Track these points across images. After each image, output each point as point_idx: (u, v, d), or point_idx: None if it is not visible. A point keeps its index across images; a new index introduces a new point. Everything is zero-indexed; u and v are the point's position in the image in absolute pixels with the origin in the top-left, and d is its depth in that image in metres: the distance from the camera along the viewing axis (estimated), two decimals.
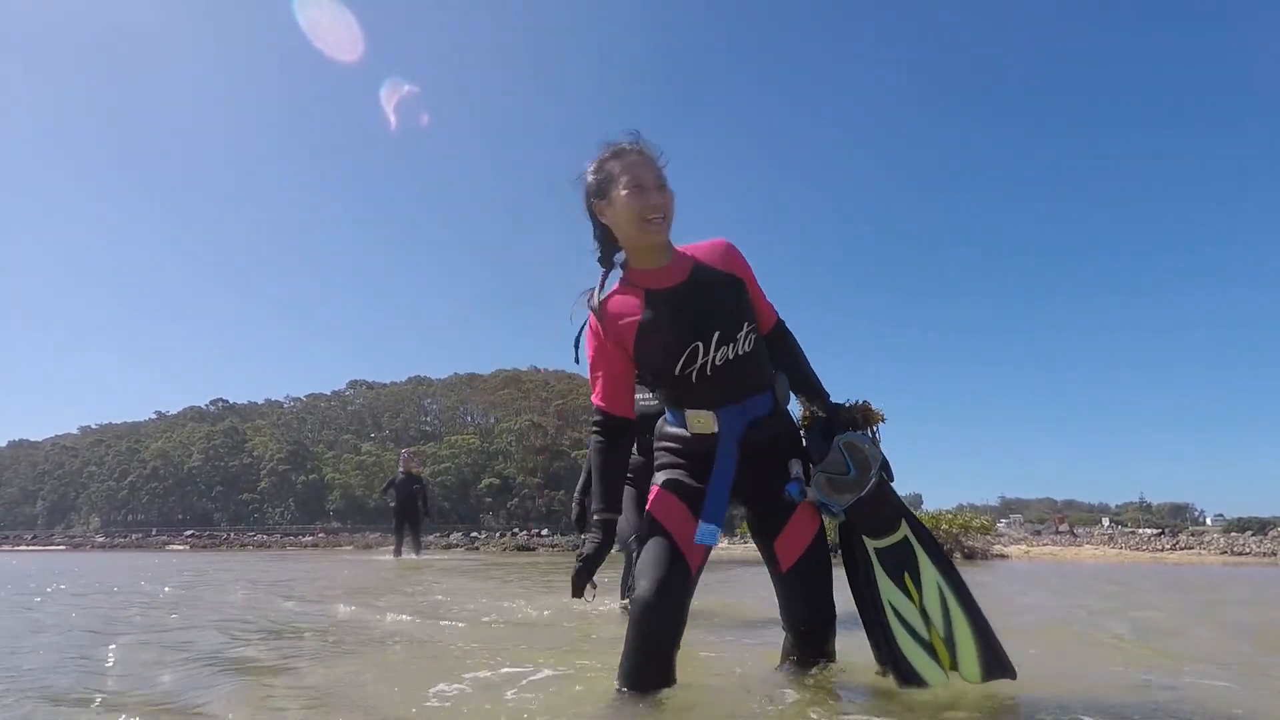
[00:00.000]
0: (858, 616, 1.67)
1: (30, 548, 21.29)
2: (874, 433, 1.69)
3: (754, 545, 1.74)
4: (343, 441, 69.24)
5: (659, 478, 1.69)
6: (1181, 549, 12.62)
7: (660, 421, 1.74)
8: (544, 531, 22.30)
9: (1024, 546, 12.90)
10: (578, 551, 3.16)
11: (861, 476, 1.59)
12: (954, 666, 1.55)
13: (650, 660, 1.50)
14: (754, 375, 1.62)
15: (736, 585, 4.58)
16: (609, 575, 5.03)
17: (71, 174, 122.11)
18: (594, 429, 1.67)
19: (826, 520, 1.66)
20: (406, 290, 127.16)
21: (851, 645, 1.73)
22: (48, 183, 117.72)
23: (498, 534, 20.77)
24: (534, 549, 14.55)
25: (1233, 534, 17.09)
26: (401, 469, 10.49)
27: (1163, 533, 16.51)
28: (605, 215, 1.62)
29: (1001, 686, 1.57)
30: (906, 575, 1.59)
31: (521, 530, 23.47)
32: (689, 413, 1.62)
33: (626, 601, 3.00)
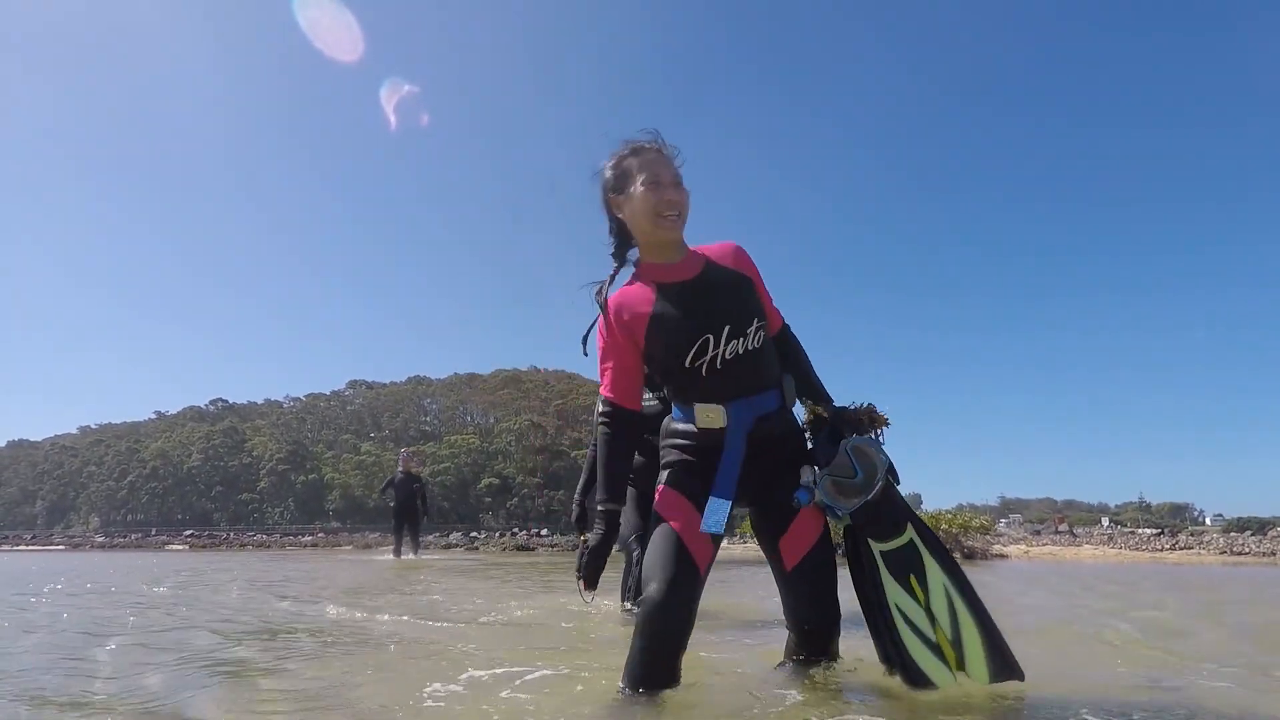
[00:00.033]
0: (861, 617, 1.66)
1: (29, 548, 21.27)
2: (879, 436, 1.70)
3: (754, 545, 1.73)
4: (342, 441, 69.24)
5: (665, 476, 1.68)
6: (1181, 549, 12.62)
7: (666, 420, 1.74)
8: (544, 531, 22.29)
9: (1023, 546, 12.89)
10: (584, 542, 3.16)
11: (869, 480, 1.60)
12: (961, 668, 1.54)
13: (658, 661, 1.50)
14: (763, 372, 1.64)
15: (737, 585, 4.58)
16: (608, 575, 5.03)
17: (71, 174, 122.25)
18: (602, 420, 1.67)
19: (830, 522, 1.66)
20: (406, 290, 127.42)
21: (855, 646, 1.72)
22: (48, 183, 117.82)
23: (497, 534, 20.76)
24: (533, 549, 14.53)
25: (1232, 534, 17.09)
26: (401, 468, 10.47)
27: (1162, 533, 16.50)
28: (622, 210, 1.65)
29: (1007, 687, 1.56)
30: (912, 578, 1.60)
31: (521, 530, 23.46)
32: (698, 407, 1.62)
33: (627, 604, 2.98)
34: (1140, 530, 19.16)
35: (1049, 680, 1.71)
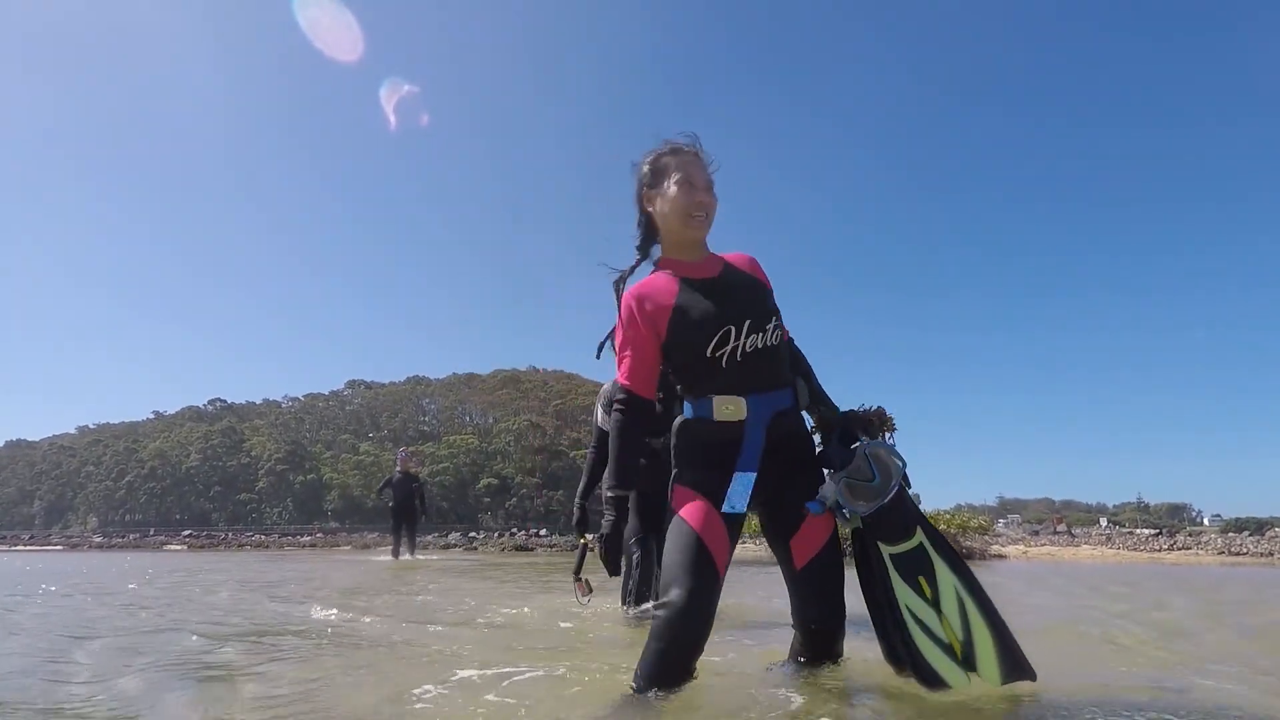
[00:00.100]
0: (866, 618, 1.66)
1: (27, 548, 21.22)
2: (891, 439, 1.73)
3: (753, 545, 1.72)
4: (341, 441, 69.16)
5: (679, 474, 1.68)
6: (1179, 549, 12.62)
7: (677, 421, 1.72)
8: (542, 532, 22.27)
9: (1022, 547, 12.89)
10: (583, 545, 3.15)
11: (885, 485, 1.63)
12: (973, 669, 1.55)
13: (675, 665, 1.51)
14: (780, 368, 1.68)
15: (738, 585, 4.53)
16: (603, 575, 5.02)
17: (71, 174, 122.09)
18: (618, 407, 1.69)
19: (839, 524, 1.67)
20: (405, 290, 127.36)
21: (859, 647, 1.71)
22: (47, 183, 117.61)
23: (496, 534, 20.74)
24: (532, 549, 14.51)
25: (1230, 534, 17.11)
26: (399, 468, 10.43)
27: (1160, 533, 16.51)
28: (653, 204, 1.72)
29: (1015, 687, 1.56)
30: (922, 579, 1.61)
31: (520, 530, 23.44)
32: (717, 399, 1.63)
33: (627, 607, 2.95)
34: (1138, 531, 19.17)
35: (1057, 681, 1.70)
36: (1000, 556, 10.83)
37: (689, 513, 1.60)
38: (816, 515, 1.62)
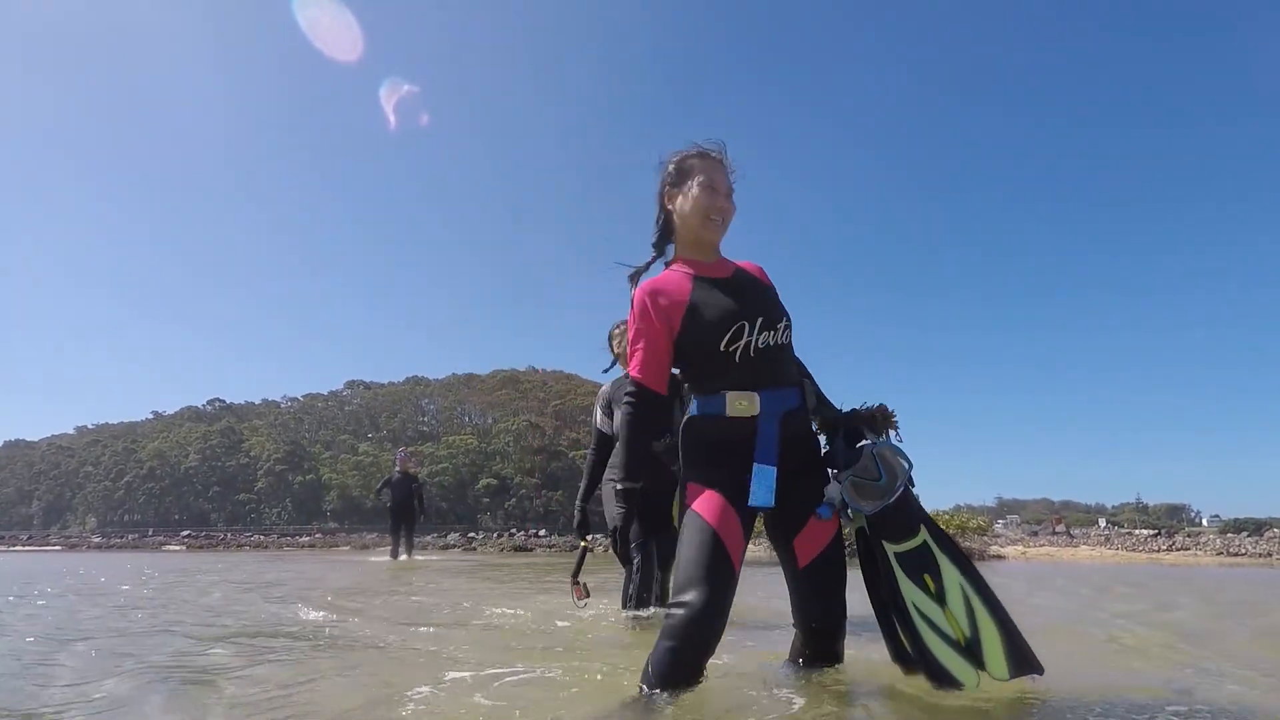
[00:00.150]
0: (868, 620, 1.66)
1: (25, 548, 21.18)
2: (897, 437, 1.75)
3: (754, 545, 1.72)
4: (340, 442, 69.13)
5: (691, 473, 1.67)
6: (1178, 550, 12.62)
7: (685, 421, 1.72)
8: (541, 532, 22.25)
9: (1021, 547, 12.89)
10: (583, 548, 3.14)
11: (891, 484, 1.64)
12: (981, 665, 1.55)
13: (687, 665, 1.50)
14: (789, 368, 1.71)
15: (739, 586, 4.48)
16: (603, 576, 5.01)
17: (71, 174, 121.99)
18: (628, 399, 1.69)
19: (842, 523, 1.68)
20: (405, 290, 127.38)
21: (863, 647, 1.70)
22: (47, 183, 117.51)
23: (495, 534, 20.71)
24: (531, 549, 14.50)
25: (1229, 535, 17.12)
26: (398, 468, 10.40)
27: (1159, 534, 16.52)
28: (673, 203, 1.76)
29: (1020, 688, 1.56)
30: (927, 577, 1.62)
31: (519, 531, 23.42)
32: (730, 395, 1.63)
33: (627, 611, 2.93)
34: (1137, 531, 19.18)
35: (1063, 682, 1.70)
36: (999, 557, 10.83)
37: (705, 508, 1.59)
38: (825, 520, 1.63)
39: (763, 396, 1.63)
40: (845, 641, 1.71)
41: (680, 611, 1.50)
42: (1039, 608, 3.76)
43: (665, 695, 1.47)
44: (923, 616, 1.58)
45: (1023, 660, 1.56)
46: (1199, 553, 12.16)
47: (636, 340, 1.69)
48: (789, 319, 1.71)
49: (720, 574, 1.52)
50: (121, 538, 25.97)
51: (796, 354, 1.85)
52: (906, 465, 1.68)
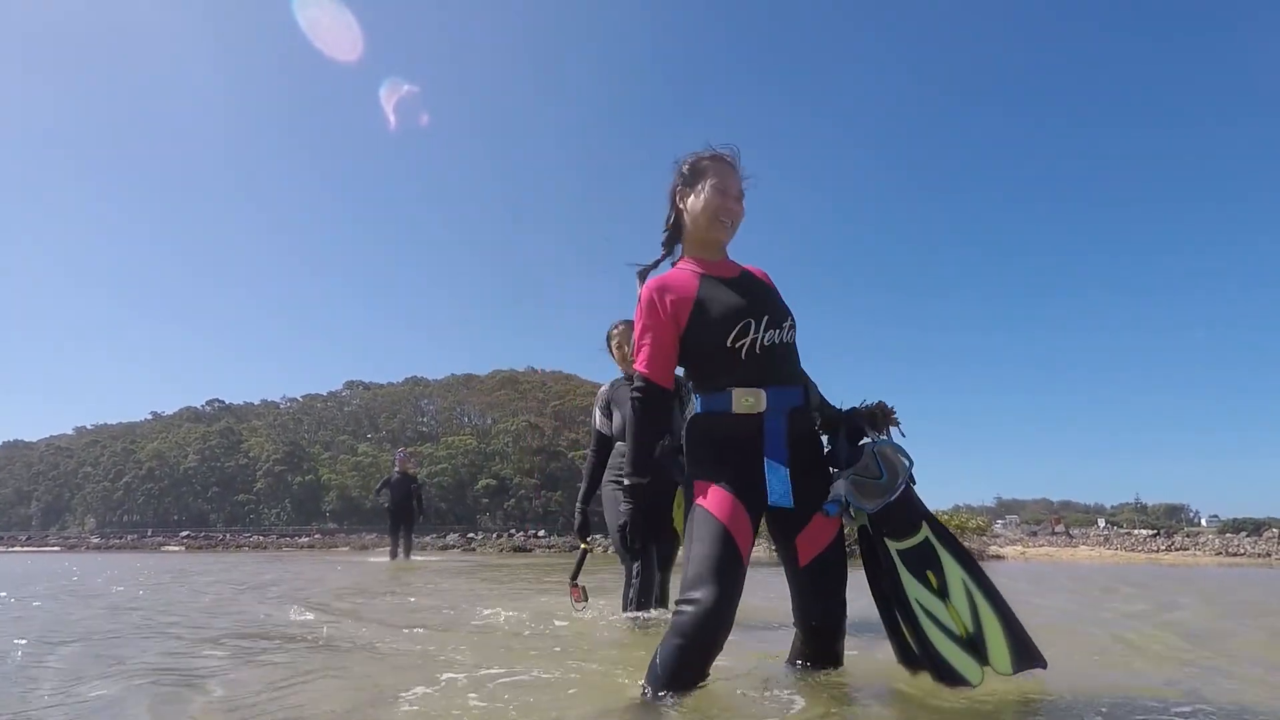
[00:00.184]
0: (870, 621, 1.65)
1: (24, 549, 21.15)
2: (900, 433, 1.77)
3: (759, 545, 1.72)
4: (339, 442, 69.09)
5: (697, 470, 1.66)
6: (1176, 550, 12.63)
7: (690, 419, 1.72)
8: (541, 532, 22.22)
9: (1020, 547, 12.90)
10: (583, 551, 3.12)
11: (892, 482, 1.65)
12: (985, 660, 1.56)
13: (695, 663, 1.50)
14: (794, 366, 1.73)
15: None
16: (603, 576, 5.00)
17: (70, 174, 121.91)
18: (636, 394, 1.70)
19: (845, 522, 1.68)
20: (404, 291, 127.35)
21: (863, 648, 1.69)
22: (46, 183, 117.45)
23: (494, 535, 20.69)
24: (531, 550, 14.48)
25: (1227, 535, 17.13)
26: (397, 469, 10.38)
27: (1158, 534, 16.52)
28: (684, 201, 1.79)
29: (1024, 688, 1.55)
30: (930, 573, 1.64)
31: (518, 531, 23.39)
32: (736, 391, 1.64)
33: (631, 615, 2.90)
34: (1136, 531, 19.19)
35: (1069, 682, 1.70)
36: (998, 557, 10.83)
37: (714, 504, 1.58)
38: (832, 516, 1.63)
39: (769, 393, 1.64)
40: (848, 642, 1.70)
41: (690, 608, 1.49)
42: (1042, 608, 3.75)
43: (669, 696, 1.45)
44: (926, 613, 1.59)
45: (1026, 654, 1.57)
46: (1198, 553, 12.16)
47: (643, 335, 1.70)
48: (794, 320, 1.73)
49: (730, 571, 1.52)
50: (120, 538, 25.92)
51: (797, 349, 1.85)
52: (907, 463, 1.69)
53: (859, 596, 1.72)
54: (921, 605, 1.59)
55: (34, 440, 78.07)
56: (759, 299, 1.71)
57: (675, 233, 1.84)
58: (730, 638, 1.54)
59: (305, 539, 21.29)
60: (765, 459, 1.61)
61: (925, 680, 1.61)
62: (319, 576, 6.37)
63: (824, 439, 1.80)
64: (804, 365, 1.85)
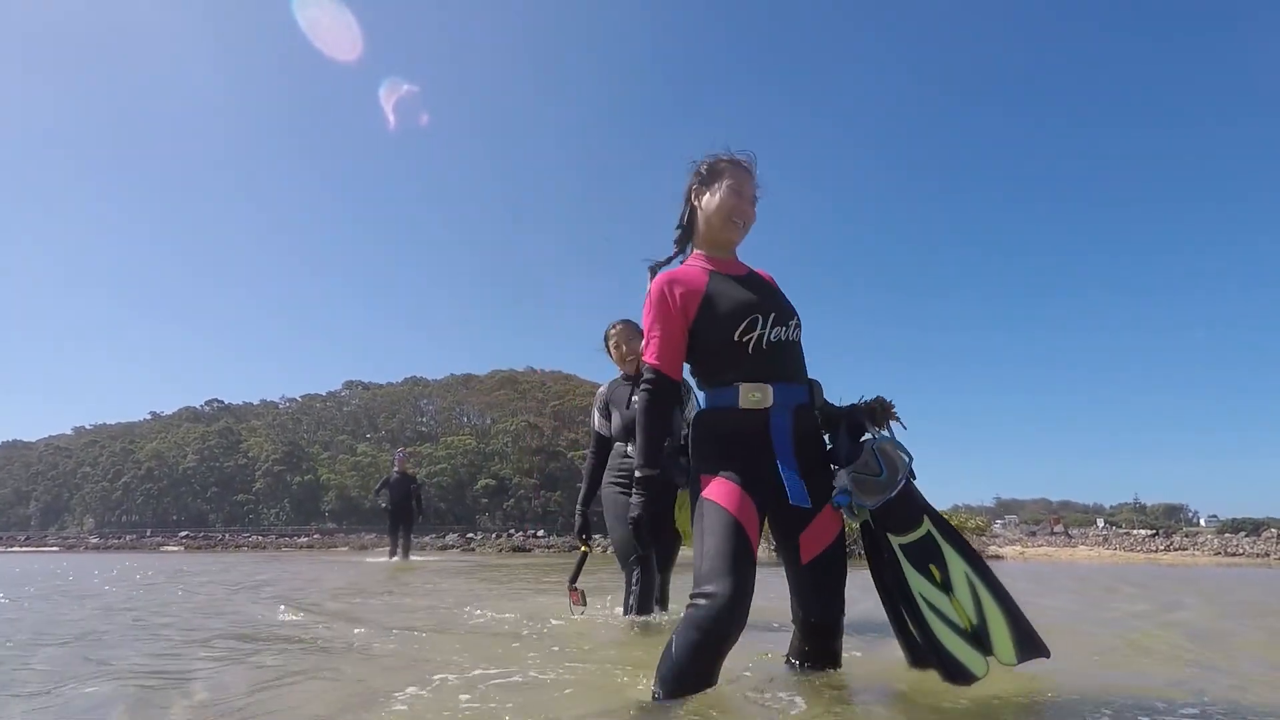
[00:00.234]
0: (872, 621, 1.64)
1: (22, 549, 21.12)
2: (902, 427, 1.78)
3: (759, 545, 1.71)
4: (338, 442, 69.04)
5: (704, 464, 1.66)
6: (1175, 550, 12.63)
7: (696, 415, 1.73)
8: (540, 533, 22.21)
9: (1019, 547, 12.90)
10: (583, 553, 3.10)
11: (892, 479, 1.66)
12: (989, 651, 1.57)
13: (707, 658, 1.48)
14: (800, 364, 1.75)
15: None
16: (603, 575, 4.98)
17: (70, 174, 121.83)
18: (645, 386, 1.71)
19: (846, 519, 1.69)
20: (404, 291, 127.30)
21: (863, 648, 1.68)
22: (47, 183, 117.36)
23: (494, 535, 20.68)
24: (530, 550, 14.47)
25: (1226, 535, 17.14)
26: (396, 469, 10.37)
27: (1157, 534, 16.52)
28: (699, 200, 1.83)
29: (1033, 687, 1.55)
30: (933, 567, 1.66)
31: (517, 531, 23.38)
32: (743, 386, 1.65)
33: (634, 617, 2.88)
34: (1135, 531, 19.21)
35: (1074, 682, 1.69)
36: (997, 557, 10.82)
37: (723, 497, 1.58)
38: (840, 508, 1.64)
39: (775, 389, 1.65)
40: (851, 643, 1.71)
41: (705, 602, 1.49)
42: (1047, 608, 3.73)
43: (677, 694, 1.44)
44: (930, 607, 1.60)
45: (1030, 644, 1.59)
46: (1196, 553, 12.16)
47: (653, 328, 1.72)
48: (799, 320, 1.76)
49: (743, 563, 1.52)
50: (119, 539, 25.88)
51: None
52: (907, 459, 1.71)
53: (862, 598, 1.71)
54: (925, 599, 1.61)
55: (33, 440, 78.01)
56: (766, 296, 1.74)
57: (688, 231, 1.87)
58: None
59: (304, 539, 21.26)
60: (779, 465, 1.62)
61: (927, 681, 1.60)
62: (316, 577, 6.35)
63: (824, 437, 1.80)
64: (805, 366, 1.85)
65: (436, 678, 1.78)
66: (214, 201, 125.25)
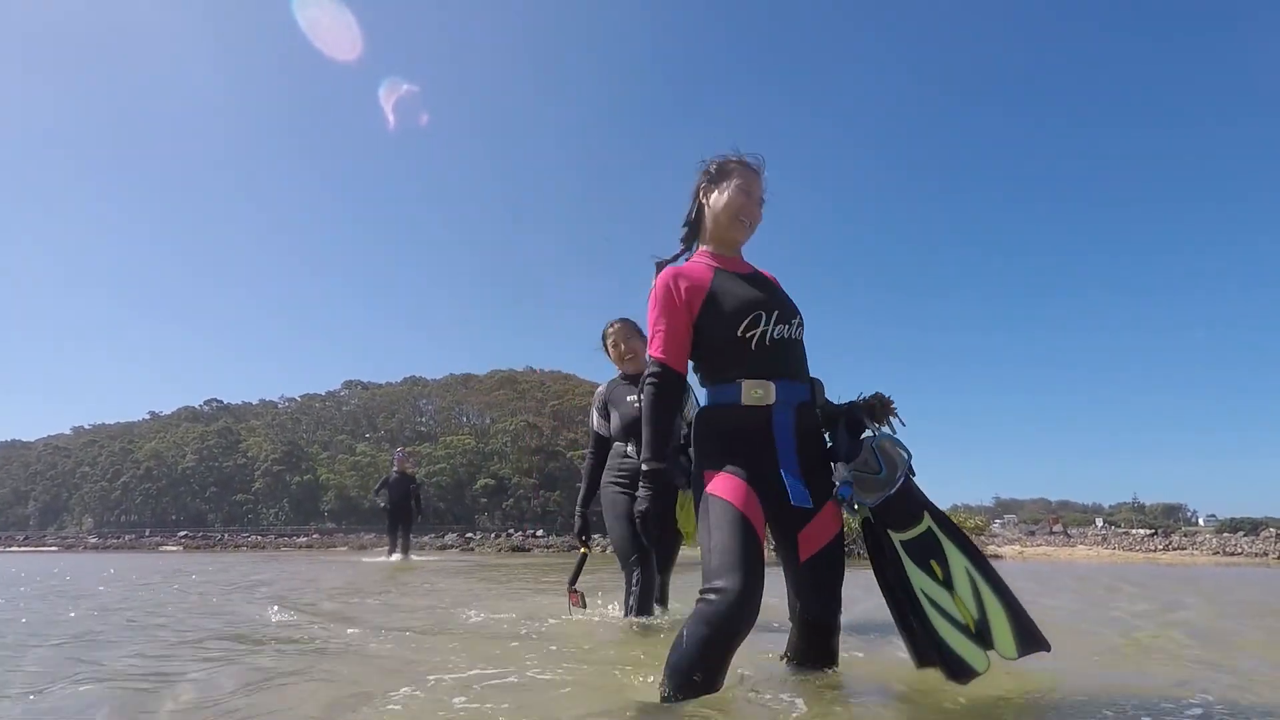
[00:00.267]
0: (874, 621, 1.63)
1: (21, 549, 21.10)
2: (902, 423, 1.79)
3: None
4: (338, 442, 69.00)
5: (707, 461, 1.66)
6: (1174, 549, 12.63)
7: (698, 412, 1.74)
8: (539, 532, 22.19)
9: (1018, 547, 12.90)
10: (582, 555, 3.08)
11: (891, 477, 1.67)
12: (990, 645, 1.57)
13: (718, 654, 1.47)
14: (802, 362, 1.76)
15: None
16: (602, 575, 4.97)
17: (70, 174, 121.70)
18: (650, 380, 1.71)
19: (846, 516, 1.70)
20: (403, 290, 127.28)
21: (864, 647, 1.66)
22: (46, 183, 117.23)
23: (493, 535, 20.67)
24: (529, 550, 14.46)
25: (1225, 535, 17.15)
26: (396, 468, 10.35)
27: (1156, 534, 16.53)
28: (708, 198, 1.84)
29: (1035, 686, 1.55)
30: (933, 562, 1.67)
31: (517, 531, 23.36)
32: (745, 383, 1.66)
33: (634, 618, 2.87)
34: (1134, 531, 19.22)
35: (1077, 682, 1.69)
36: (996, 557, 10.81)
37: (728, 492, 1.58)
38: (843, 500, 1.65)
39: (778, 386, 1.66)
40: (853, 643, 1.70)
41: (715, 597, 1.48)
42: (1051, 608, 3.72)
43: (682, 688, 1.44)
44: (932, 603, 1.60)
45: (1030, 638, 1.59)
46: (1195, 552, 12.16)
47: (658, 322, 1.72)
48: (802, 319, 1.78)
49: (752, 558, 1.51)
50: (118, 538, 25.86)
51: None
52: (906, 456, 1.73)
53: (863, 598, 1.70)
54: (927, 595, 1.62)
55: (32, 440, 77.93)
56: (770, 294, 1.75)
57: (694, 228, 1.88)
58: None
59: (303, 539, 21.25)
60: (780, 466, 1.62)
61: (928, 681, 1.59)
62: (314, 577, 6.33)
63: (825, 435, 1.79)
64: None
65: (432, 678, 1.76)
66: (214, 201, 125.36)
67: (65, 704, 1.65)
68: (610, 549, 3.14)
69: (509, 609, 3.46)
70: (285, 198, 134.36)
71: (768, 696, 1.53)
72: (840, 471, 1.66)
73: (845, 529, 1.72)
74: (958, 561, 1.66)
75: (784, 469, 1.62)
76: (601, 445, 3.08)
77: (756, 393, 1.65)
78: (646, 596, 2.82)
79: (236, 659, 2.18)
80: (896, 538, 1.67)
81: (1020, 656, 1.58)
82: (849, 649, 1.72)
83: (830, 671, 1.66)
